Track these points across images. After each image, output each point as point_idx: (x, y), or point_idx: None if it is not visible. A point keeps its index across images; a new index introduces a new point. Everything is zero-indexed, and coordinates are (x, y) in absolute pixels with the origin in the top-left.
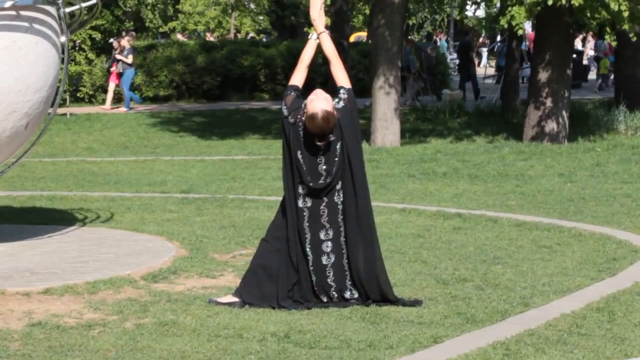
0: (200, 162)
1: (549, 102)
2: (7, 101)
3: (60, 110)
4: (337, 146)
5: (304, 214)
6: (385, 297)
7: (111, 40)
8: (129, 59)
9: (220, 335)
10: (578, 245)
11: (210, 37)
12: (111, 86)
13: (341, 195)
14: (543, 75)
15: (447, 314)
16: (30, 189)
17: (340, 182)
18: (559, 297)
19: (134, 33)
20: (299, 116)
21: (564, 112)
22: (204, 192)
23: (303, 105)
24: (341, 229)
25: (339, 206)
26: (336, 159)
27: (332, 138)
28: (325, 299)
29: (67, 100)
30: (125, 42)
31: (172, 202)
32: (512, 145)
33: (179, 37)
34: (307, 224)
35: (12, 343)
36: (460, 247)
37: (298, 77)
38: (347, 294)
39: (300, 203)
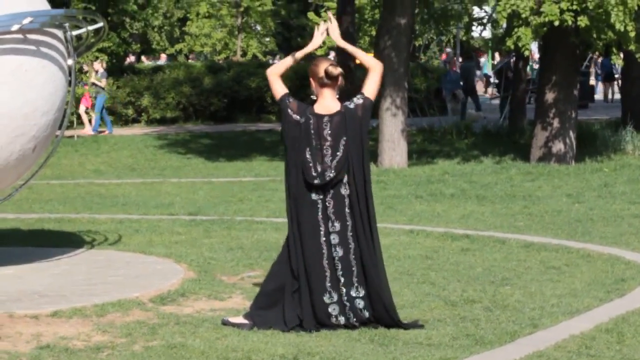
0: (208, 184)
1: (556, 123)
2: (14, 124)
3: (68, 133)
4: (342, 140)
5: (318, 206)
6: (385, 304)
7: (83, 63)
8: (103, 83)
9: (229, 357)
10: (586, 266)
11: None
12: (82, 109)
13: (347, 188)
14: (550, 96)
15: (455, 336)
16: (38, 212)
17: (346, 176)
18: (567, 318)
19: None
20: (307, 114)
21: (571, 133)
22: (211, 214)
23: (309, 105)
24: (348, 223)
25: (345, 199)
26: (339, 153)
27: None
28: (331, 312)
29: (75, 123)
30: (99, 65)
31: (180, 224)
32: (519, 166)
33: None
34: (320, 216)
35: None
36: (468, 269)
37: (282, 84)
38: (353, 292)
39: (314, 196)
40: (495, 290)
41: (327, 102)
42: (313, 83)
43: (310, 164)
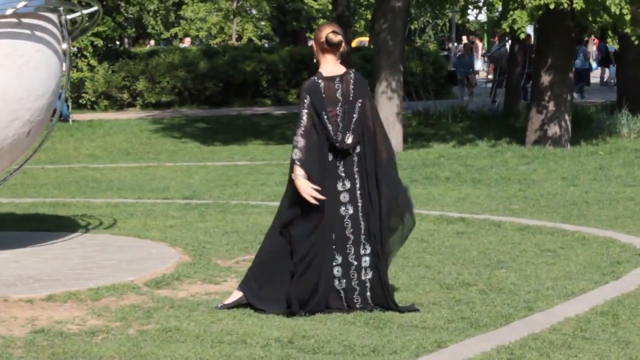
0: (203, 168)
1: (551, 106)
2: (8, 108)
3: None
4: (358, 102)
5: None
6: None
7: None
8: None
9: (223, 341)
10: (582, 249)
11: (222, 43)
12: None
13: (357, 148)
14: (545, 79)
15: (450, 319)
16: (33, 196)
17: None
18: (563, 301)
19: None
20: (316, 79)
21: (566, 116)
22: (206, 198)
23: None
24: (357, 181)
25: (354, 158)
26: (355, 115)
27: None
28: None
29: (70, 107)
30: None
31: (175, 208)
32: (514, 149)
33: (186, 43)
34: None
35: (15, 350)
36: (463, 252)
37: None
38: (361, 250)
39: (330, 157)
40: (491, 273)
41: (330, 67)
42: (315, 47)
43: (330, 127)
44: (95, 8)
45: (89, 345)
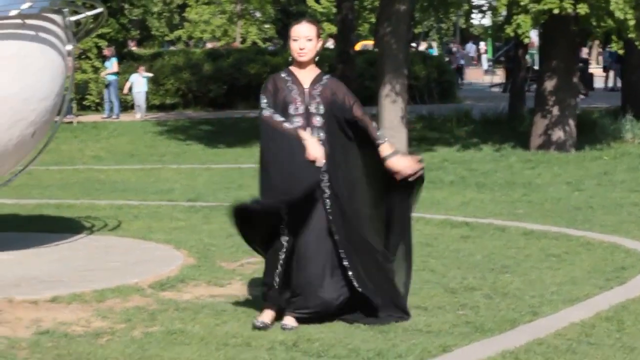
0: (207, 170)
1: (555, 111)
2: (13, 109)
3: (67, 119)
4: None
5: None
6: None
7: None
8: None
9: (228, 344)
10: (586, 254)
11: (235, 45)
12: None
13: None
14: (549, 84)
15: (455, 323)
16: (37, 197)
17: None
18: (567, 306)
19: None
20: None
21: (570, 121)
22: (211, 200)
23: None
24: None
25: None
26: None
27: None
28: None
29: (74, 109)
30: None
31: (180, 210)
32: (519, 153)
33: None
34: None
35: (20, 351)
36: (468, 256)
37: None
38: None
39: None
40: (495, 277)
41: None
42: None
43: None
44: (99, 10)
45: (94, 347)
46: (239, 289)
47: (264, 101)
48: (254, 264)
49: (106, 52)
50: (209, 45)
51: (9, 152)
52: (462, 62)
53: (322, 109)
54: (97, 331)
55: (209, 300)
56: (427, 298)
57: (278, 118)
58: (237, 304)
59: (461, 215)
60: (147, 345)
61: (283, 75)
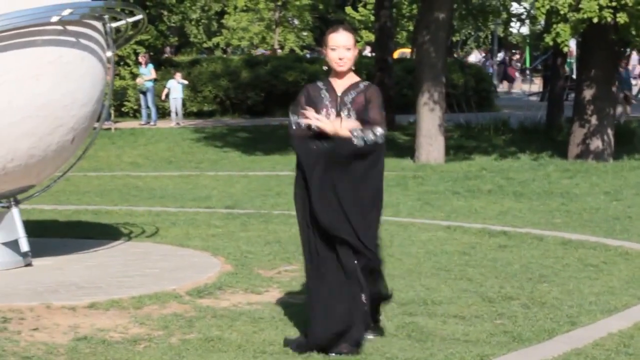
0: (245, 177)
1: (593, 120)
2: (53, 115)
3: (105, 125)
4: None
5: None
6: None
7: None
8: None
9: (265, 351)
10: (624, 264)
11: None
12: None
13: None
14: (588, 93)
15: (493, 332)
16: (76, 203)
17: None
18: (606, 316)
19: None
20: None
21: (609, 130)
22: (248, 207)
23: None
24: None
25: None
26: None
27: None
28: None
29: (112, 115)
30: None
31: (217, 217)
32: (557, 163)
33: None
34: None
35: (57, 357)
36: (505, 265)
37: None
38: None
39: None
40: (533, 287)
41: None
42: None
43: None
44: (139, 16)
45: (132, 354)
46: (276, 297)
47: (291, 118)
48: (292, 271)
49: (140, 59)
50: (255, 52)
51: (49, 158)
52: (491, 70)
53: (353, 115)
54: (134, 338)
55: (246, 308)
56: (465, 307)
57: (301, 131)
58: (275, 311)
59: (499, 224)
60: (184, 352)
61: (319, 84)
